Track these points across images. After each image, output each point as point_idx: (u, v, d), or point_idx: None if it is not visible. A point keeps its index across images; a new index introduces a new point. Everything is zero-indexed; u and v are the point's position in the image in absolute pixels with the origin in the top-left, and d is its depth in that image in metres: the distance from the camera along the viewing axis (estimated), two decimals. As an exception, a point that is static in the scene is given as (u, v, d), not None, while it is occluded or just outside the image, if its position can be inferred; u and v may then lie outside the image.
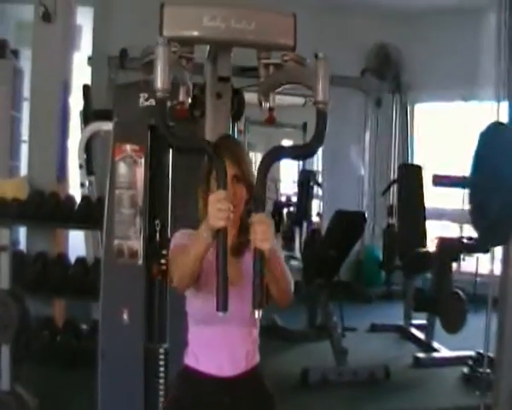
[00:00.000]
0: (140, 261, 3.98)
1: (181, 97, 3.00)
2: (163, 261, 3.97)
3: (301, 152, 2.50)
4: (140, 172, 4.04)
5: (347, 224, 6.30)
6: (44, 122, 6.58)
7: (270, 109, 3.03)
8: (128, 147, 4.02)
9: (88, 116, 6.69)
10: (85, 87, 7.05)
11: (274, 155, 2.35)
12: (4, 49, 7.81)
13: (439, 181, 6.93)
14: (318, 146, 2.34)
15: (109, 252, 4.05)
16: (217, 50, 3.09)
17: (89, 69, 8.72)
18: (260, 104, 3.00)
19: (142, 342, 3.99)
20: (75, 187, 6.75)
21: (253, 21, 2.81)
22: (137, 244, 4.01)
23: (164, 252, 3.94)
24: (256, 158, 15.60)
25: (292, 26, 2.90)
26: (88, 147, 6.52)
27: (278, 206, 12.46)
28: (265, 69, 2.93)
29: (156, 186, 4.11)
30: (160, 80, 2.26)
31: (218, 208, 2.12)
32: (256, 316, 2.18)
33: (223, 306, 2.15)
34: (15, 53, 8.18)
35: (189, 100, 3.08)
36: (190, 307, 2.50)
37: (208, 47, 3.20)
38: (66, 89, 6.85)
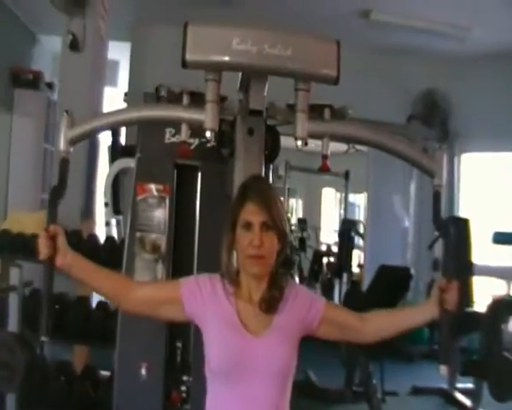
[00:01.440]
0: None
1: (183, 136, 2.68)
2: (183, 388, 3.70)
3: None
4: (164, 213, 3.75)
5: (391, 280, 6.06)
6: (70, 155, 6.18)
7: (325, 157, 2.72)
8: (151, 186, 3.73)
9: (116, 152, 6.44)
10: (116, 125, 6.76)
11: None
12: (39, 81, 7.76)
13: (501, 238, 6.60)
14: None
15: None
16: (248, 79, 2.72)
17: (125, 105, 8.50)
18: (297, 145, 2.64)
19: (161, 400, 3.69)
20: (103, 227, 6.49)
21: (289, 46, 2.43)
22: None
23: (185, 378, 3.69)
24: (296, 205, 15.57)
25: (335, 55, 2.51)
26: (115, 185, 6.26)
27: (318, 255, 12.44)
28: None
29: (181, 230, 3.80)
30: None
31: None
32: (442, 372, 2.40)
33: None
34: (50, 85, 8.10)
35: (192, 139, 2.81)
36: (207, 357, 2.23)
37: (240, 76, 2.85)
38: (95, 122, 6.53)
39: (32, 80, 7.78)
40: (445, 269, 2.51)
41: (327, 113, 2.75)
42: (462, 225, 7.27)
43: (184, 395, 3.69)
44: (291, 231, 12.45)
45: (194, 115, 2.62)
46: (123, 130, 6.80)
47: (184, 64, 2.46)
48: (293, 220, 13.79)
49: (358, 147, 9.16)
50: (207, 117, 2.55)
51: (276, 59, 2.44)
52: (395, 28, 8.12)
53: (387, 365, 6.38)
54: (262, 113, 2.80)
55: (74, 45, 6.25)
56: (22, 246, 5.27)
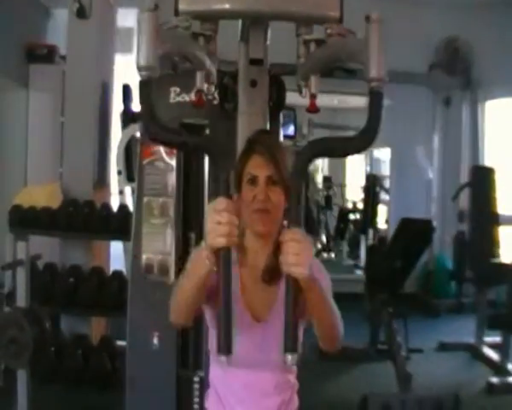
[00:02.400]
0: (172, 279, 3.51)
1: (198, 84, 2.38)
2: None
3: (351, 146, 1.91)
4: (171, 176, 3.58)
5: (414, 233, 5.87)
6: (80, 125, 6.13)
7: (312, 96, 2.37)
8: (157, 148, 3.56)
9: (128, 119, 6.28)
10: (125, 87, 6.60)
11: (314, 150, 1.88)
12: (53, 55, 7.65)
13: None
14: (373, 137, 1.82)
15: (137, 268, 3.61)
16: (248, 27, 2.53)
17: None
18: (300, 91, 2.43)
19: (175, 369, 3.58)
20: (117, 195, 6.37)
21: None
22: (169, 260, 3.56)
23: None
24: (323, 164, 15.44)
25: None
26: (128, 152, 6.11)
27: (344, 212, 12.41)
28: (305, 48, 2.36)
29: (190, 193, 3.64)
30: (142, 56, 1.80)
31: (218, 221, 1.67)
32: (288, 362, 1.76)
33: (225, 347, 1.72)
34: (65, 58, 7.98)
35: (212, 87, 2.50)
36: (212, 344, 2.09)
37: (240, 25, 2.66)
38: (105, 90, 6.43)
39: (46, 54, 7.65)
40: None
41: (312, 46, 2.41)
42: (487, 174, 7.11)
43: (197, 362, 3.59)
44: (317, 189, 12.39)
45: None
46: (135, 95, 6.64)
47: (177, 14, 2.28)
48: (319, 179, 13.67)
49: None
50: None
51: (276, 2, 2.26)
52: None
53: (413, 321, 6.26)
54: (263, 62, 2.62)
55: (81, 13, 6.07)
56: (34, 219, 5.21)
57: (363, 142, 1.85)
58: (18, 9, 7.39)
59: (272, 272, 2.05)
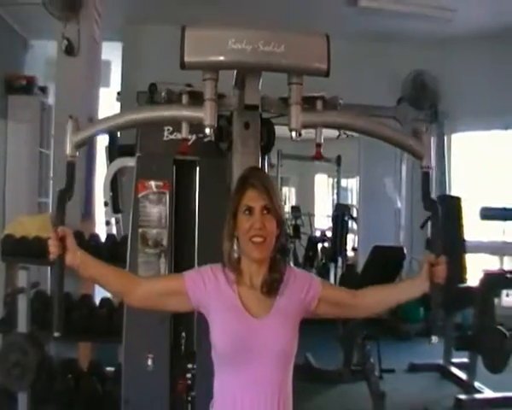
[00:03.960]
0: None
1: (183, 133, 2.81)
2: (189, 376, 3.79)
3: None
4: (165, 209, 3.84)
5: (385, 260, 6.11)
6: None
7: (318, 145, 2.86)
8: (152, 183, 3.82)
9: (114, 152, 6.50)
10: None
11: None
12: (32, 86, 7.80)
13: (488, 214, 6.66)
14: (435, 208, 2.68)
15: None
16: (244, 76, 2.84)
17: (118, 105, 8.57)
18: (292, 136, 2.76)
19: (169, 390, 3.77)
20: (102, 226, 6.55)
21: (282, 44, 2.55)
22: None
23: (189, 366, 3.78)
24: (290, 193, 15.62)
25: (325, 49, 2.63)
26: (114, 184, 6.32)
27: (313, 241, 12.54)
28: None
29: (182, 224, 3.90)
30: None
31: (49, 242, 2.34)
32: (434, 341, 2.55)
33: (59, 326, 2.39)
34: (44, 89, 8.15)
35: (190, 135, 2.92)
36: (213, 342, 2.36)
37: (235, 74, 2.96)
38: (92, 123, 6.59)
39: (25, 86, 7.85)
40: (434, 245, 2.59)
41: (319, 104, 2.87)
42: (454, 203, 7.38)
43: (189, 382, 3.78)
44: (285, 219, 12.51)
45: (193, 113, 2.74)
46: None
47: (183, 66, 2.57)
48: (287, 208, 13.86)
49: (349, 132, 9.17)
50: (206, 114, 2.67)
51: (270, 56, 2.56)
52: (383, 14, 8.19)
53: (384, 343, 6.55)
54: (257, 107, 2.94)
55: (70, 50, 6.32)
56: (26, 249, 5.34)
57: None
58: (-3, 42, 7.45)
59: (270, 286, 2.34)
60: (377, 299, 2.57)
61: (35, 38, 8.79)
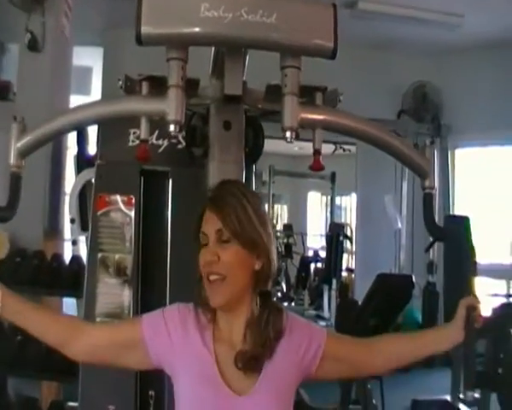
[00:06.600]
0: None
1: (142, 133, 2.14)
2: None
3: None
4: (129, 229, 3.17)
5: (391, 290, 5.55)
6: (30, 168, 5.66)
7: (317, 152, 2.17)
8: (114, 197, 3.17)
9: (83, 162, 5.86)
10: (80, 129, 6.20)
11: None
12: (7, 92, 7.26)
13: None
14: (439, 233, 2.48)
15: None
16: (223, 57, 2.14)
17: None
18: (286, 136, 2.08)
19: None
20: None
21: (273, 12, 1.87)
22: (126, 323, 3.12)
23: None
24: (282, 211, 15.21)
25: (331, 21, 1.95)
26: (82, 198, 5.68)
27: (305, 261, 12.12)
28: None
29: (151, 248, 3.24)
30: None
31: None
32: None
33: None
34: (19, 95, 7.66)
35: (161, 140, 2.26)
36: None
37: (212, 56, 2.28)
38: (58, 131, 6.01)
39: (-1, 91, 7.31)
40: (463, 285, 2.33)
41: (318, 98, 2.20)
42: (462, 224, 6.85)
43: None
44: (276, 238, 12.18)
45: (154, 105, 2.07)
46: (90, 136, 6.27)
47: (139, 40, 1.92)
48: (279, 227, 13.47)
49: (346, 147, 8.96)
50: (170, 106, 2.00)
51: (257, 27, 1.89)
52: (382, 19, 7.83)
53: (385, 378, 5.79)
54: (240, 99, 2.23)
55: (33, 45, 5.65)
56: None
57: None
58: (-31, 45, 6.99)
59: (247, 363, 1.70)
60: (398, 353, 2.01)
61: (11, 41, 8.29)
